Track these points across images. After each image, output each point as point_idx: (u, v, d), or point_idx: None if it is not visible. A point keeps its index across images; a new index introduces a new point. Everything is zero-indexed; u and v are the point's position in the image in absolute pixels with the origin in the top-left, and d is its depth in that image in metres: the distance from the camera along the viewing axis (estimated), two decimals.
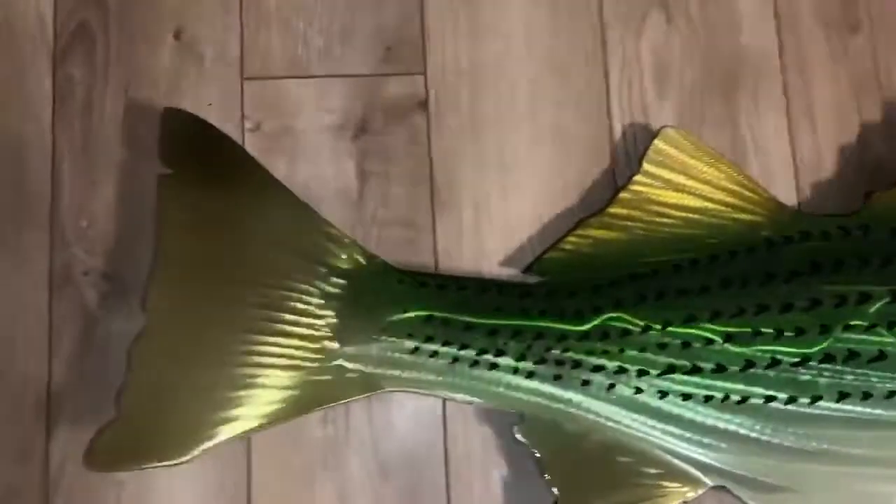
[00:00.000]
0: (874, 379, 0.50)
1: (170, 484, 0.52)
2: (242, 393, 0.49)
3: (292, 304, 0.51)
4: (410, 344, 0.51)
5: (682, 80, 0.58)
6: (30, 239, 0.55)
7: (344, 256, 0.52)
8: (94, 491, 0.52)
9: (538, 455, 0.51)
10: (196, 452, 0.48)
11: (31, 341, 0.54)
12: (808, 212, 0.56)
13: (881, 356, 0.50)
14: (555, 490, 0.50)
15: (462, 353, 0.51)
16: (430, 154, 0.57)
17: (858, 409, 0.50)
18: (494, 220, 0.56)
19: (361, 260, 0.53)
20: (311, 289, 0.51)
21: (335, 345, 0.51)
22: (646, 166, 0.55)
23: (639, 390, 0.51)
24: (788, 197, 0.57)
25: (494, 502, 0.53)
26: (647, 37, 0.58)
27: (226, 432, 0.49)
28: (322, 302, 0.51)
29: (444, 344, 0.51)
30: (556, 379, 0.51)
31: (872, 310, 0.51)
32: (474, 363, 0.52)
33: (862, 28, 0.59)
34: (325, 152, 0.56)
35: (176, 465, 0.47)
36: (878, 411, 0.50)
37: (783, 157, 0.58)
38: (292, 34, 0.58)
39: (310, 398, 0.50)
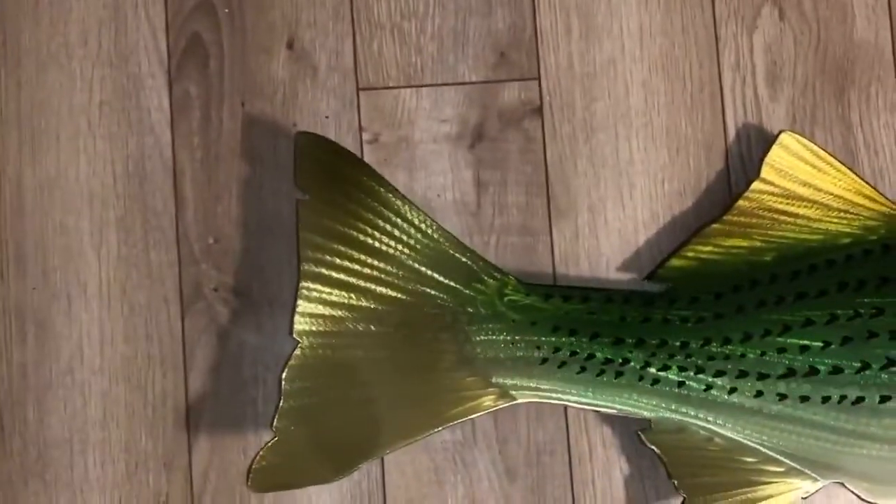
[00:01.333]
0: None
1: (309, 490, 0.56)
2: (390, 411, 0.53)
3: (432, 321, 0.54)
4: (539, 356, 0.55)
5: (795, 79, 0.60)
6: (158, 257, 0.58)
7: (475, 274, 0.55)
8: (236, 498, 0.56)
9: (665, 459, 0.55)
10: (346, 472, 0.52)
11: (167, 357, 0.57)
12: None
13: None
14: (682, 493, 0.54)
15: (588, 362, 0.55)
16: (545, 160, 0.59)
17: None
18: (610, 226, 0.58)
19: (492, 275, 0.55)
20: (448, 305, 0.54)
21: (475, 359, 0.54)
22: (764, 173, 0.56)
23: (759, 393, 0.55)
24: None
25: (618, 501, 0.57)
26: (760, 33, 0.60)
27: (377, 450, 0.52)
28: (458, 318, 0.54)
29: (572, 354, 0.55)
30: (680, 385, 0.55)
31: None
32: (601, 372, 0.55)
33: None
34: (442, 162, 0.59)
35: (328, 482, 0.51)
36: None
37: (894, 155, 0.60)
38: (405, 41, 0.59)
39: (451, 412, 0.54)
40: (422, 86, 0.59)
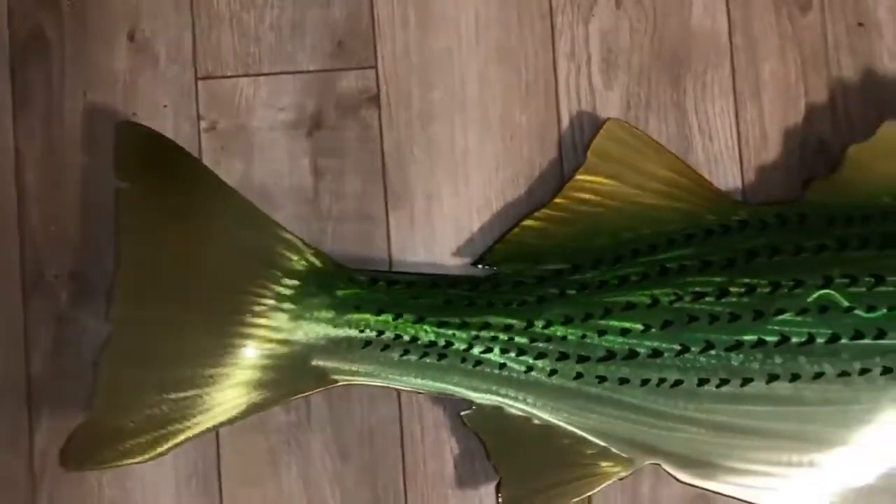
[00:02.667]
0: (803, 361, 0.56)
1: (146, 467, 0.59)
2: (204, 392, 0.55)
3: (249, 305, 0.56)
4: (363, 338, 0.57)
5: (630, 66, 0.62)
6: (1, 244, 0.60)
7: (296, 258, 0.57)
8: (76, 476, 0.59)
9: (485, 440, 0.57)
10: (160, 451, 0.54)
11: (9, 341, 0.60)
12: (753, 194, 0.61)
13: (810, 340, 0.55)
14: (498, 473, 0.56)
15: (412, 345, 0.57)
16: (382, 148, 0.61)
17: (787, 389, 0.55)
18: (446, 212, 0.61)
19: (314, 260, 0.58)
20: (266, 290, 0.57)
21: (291, 343, 0.56)
22: (589, 159, 0.59)
23: (579, 375, 0.57)
24: (733, 180, 0.61)
25: (448, 480, 0.60)
26: (596, 22, 0.62)
27: (189, 431, 0.55)
28: (276, 303, 0.57)
29: (396, 338, 0.57)
30: (502, 367, 0.57)
31: (805, 296, 0.56)
32: (423, 354, 0.57)
33: (812, 7, 0.62)
34: (279, 150, 0.61)
35: (144, 462, 0.53)
36: (803, 392, 0.55)
37: (729, 141, 0.61)
38: (244, 32, 0.61)
39: (270, 394, 0.56)
40: (259, 75, 0.61)
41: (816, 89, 0.62)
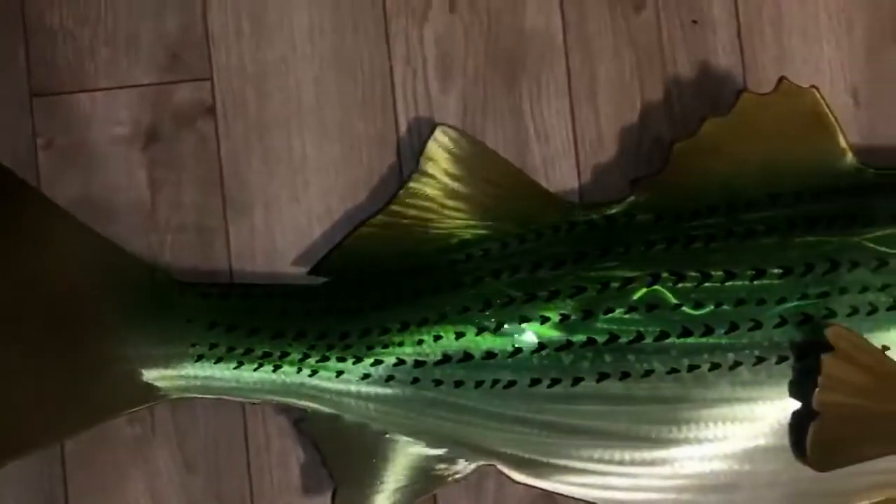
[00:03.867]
0: (632, 359, 0.57)
1: None
2: (37, 408, 0.56)
3: (81, 321, 0.57)
4: (194, 352, 0.58)
5: (466, 70, 0.62)
6: None
7: (128, 273, 0.58)
8: None
9: (321, 447, 0.58)
10: None
11: None
12: (589, 194, 0.62)
13: (639, 338, 0.56)
14: (333, 478, 0.57)
15: (246, 357, 0.58)
16: (219, 158, 0.62)
17: (618, 387, 0.57)
18: (286, 221, 0.62)
19: (146, 274, 0.59)
20: (98, 306, 0.58)
21: (123, 358, 0.56)
22: (421, 165, 0.60)
23: (416, 380, 0.58)
24: (570, 180, 0.62)
25: (294, 488, 0.61)
26: (431, 26, 0.62)
27: (28, 446, 0.56)
28: (108, 318, 0.57)
29: (229, 350, 0.58)
30: (338, 375, 0.58)
31: (633, 295, 0.57)
32: (259, 366, 0.58)
33: (646, 5, 0.63)
34: (117, 164, 0.62)
35: None
36: (633, 391, 0.57)
37: (565, 142, 0.62)
38: (78, 47, 0.62)
39: (102, 408, 0.57)
40: (96, 90, 0.62)
41: (652, 87, 0.63)
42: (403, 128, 0.62)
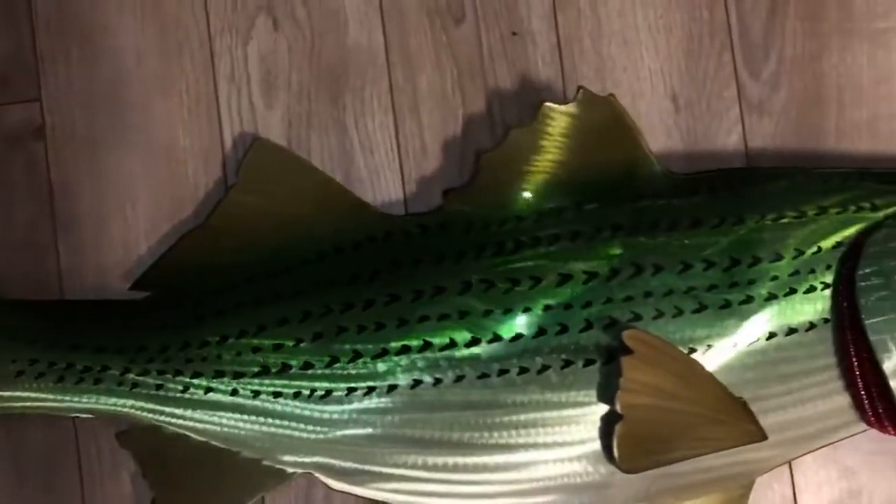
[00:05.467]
0: (445, 366, 0.57)
1: None
2: None
3: None
4: (14, 368, 0.59)
5: (290, 86, 0.64)
6: None
7: None
8: None
9: (140, 460, 0.59)
10: None
11: None
12: (414, 205, 0.63)
13: (452, 344, 0.57)
14: (152, 490, 0.58)
15: (67, 372, 0.59)
16: (49, 178, 0.64)
17: (431, 394, 0.58)
18: (114, 238, 0.63)
19: None
20: None
21: None
22: (239, 179, 0.61)
23: (235, 392, 0.59)
24: (395, 192, 0.63)
25: (127, 500, 0.62)
26: (255, 44, 0.64)
27: None
28: None
29: (50, 365, 0.59)
30: (158, 388, 0.59)
31: (445, 302, 0.58)
32: (80, 380, 0.59)
33: (466, 18, 0.64)
34: None
35: None
36: (446, 396, 0.57)
37: (389, 154, 0.64)
38: None
39: None
40: None
41: (473, 99, 0.64)
42: (229, 144, 0.63)
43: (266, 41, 0.64)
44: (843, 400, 0.58)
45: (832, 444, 0.60)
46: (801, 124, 0.64)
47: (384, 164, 0.64)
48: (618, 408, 0.56)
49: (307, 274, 0.60)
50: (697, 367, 0.57)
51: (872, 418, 0.58)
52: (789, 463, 0.61)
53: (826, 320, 0.57)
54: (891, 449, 0.62)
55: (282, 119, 0.63)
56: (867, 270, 0.56)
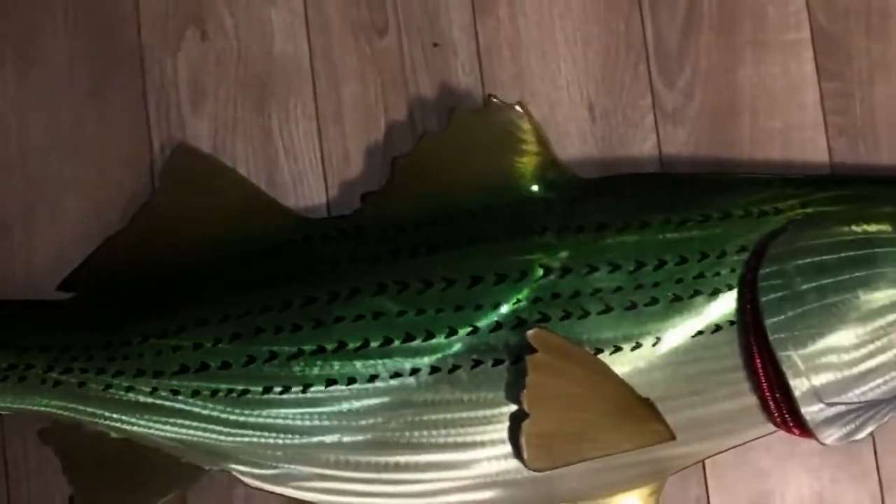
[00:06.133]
0: (359, 365, 0.58)
1: None
2: None
3: None
4: None
5: (218, 95, 0.66)
6: None
7: None
8: None
9: (61, 457, 0.60)
10: None
11: None
12: (338, 209, 0.64)
13: (365, 345, 0.58)
14: (71, 486, 0.59)
15: None
16: None
17: (344, 394, 0.59)
18: (45, 243, 0.64)
19: None
20: None
21: None
22: (160, 184, 0.63)
23: (155, 390, 0.60)
24: (319, 197, 0.65)
25: (52, 498, 0.62)
26: (184, 54, 0.66)
27: None
28: None
29: None
30: (81, 386, 0.60)
31: (361, 303, 0.59)
32: (4, 378, 0.60)
33: (389, 31, 0.66)
34: None
35: None
36: (360, 396, 0.57)
37: (313, 161, 0.65)
38: None
39: None
40: None
41: (396, 108, 0.66)
42: (157, 150, 0.65)
43: (195, 51, 0.66)
44: (751, 401, 0.59)
45: (744, 444, 0.60)
46: (714, 133, 0.65)
47: (308, 170, 0.65)
48: (524, 407, 0.58)
49: (227, 276, 0.61)
50: (603, 367, 0.58)
51: (778, 419, 0.59)
52: (703, 464, 0.63)
53: (732, 322, 0.58)
54: (802, 450, 0.63)
55: (209, 126, 0.65)
56: (769, 273, 0.58)
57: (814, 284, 0.57)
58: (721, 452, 0.60)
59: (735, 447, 0.60)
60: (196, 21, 0.66)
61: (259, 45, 0.65)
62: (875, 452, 0.63)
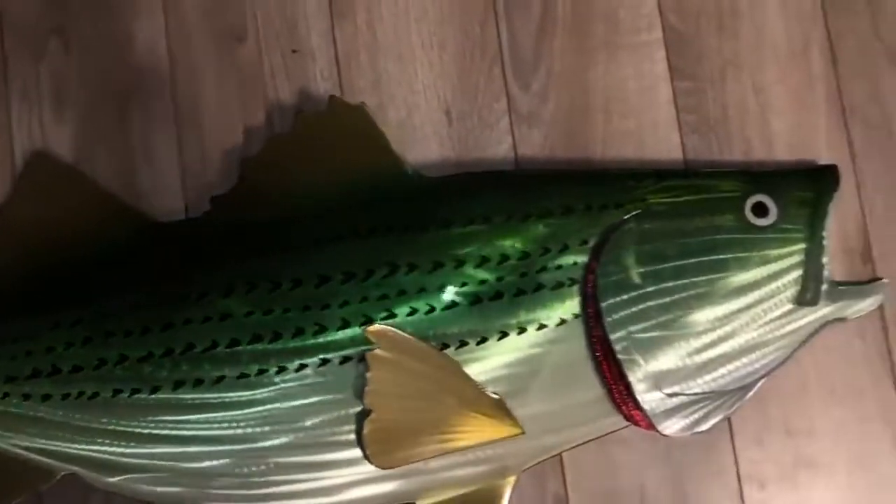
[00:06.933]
0: (207, 367, 0.58)
1: None
2: None
3: None
4: None
5: (80, 102, 0.66)
6: None
7: None
8: None
9: None
10: None
11: None
12: (195, 214, 0.64)
13: (213, 346, 0.58)
14: None
15: None
16: None
17: (192, 395, 0.58)
18: None
19: None
20: None
21: None
22: (16, 190, 0.63)
23: (6, 395, 0.60)
24: (177, 202, 0.64)
25: None
26: (47, 63, 0.66)
27: None
28: None
29: None
30: None
31: (209, 305, 0.59)
32: None
33: (248, 37, 0.66)
34: None
35: None
36: (206, 395, 0.58)
37: (172, 166, 0.65)
38: None
39: None
40: None
41: (254, 113, 0.66)
42: (20, 160, 0.65)
43: (57, 60, 0.66)
44: (599, 393, 0.59)
45: (600, 438, 0.60)
46: (569, 134, 0.66)
47: (166, 177, 0.65)
48: (365, 403, 0.58)
49: (80, 281, 0.62)
50: (448, 362, 0.58)
51: (625, 411, 0.59)
52: (560, 458, 0.62)
53: (576, 315, 0.58)
54: (661, 445, 0.61)
55: (71, 135, 0.65)
56: (607, 265, 0.58)
57: (652, 276, 0.57)
58: (576, 447, 0.60)
59: (591, 441, 0.60)
60: (59, 30, 0.66)
61: (120, 54, 0.66)
62: (733, 447, 0.63)
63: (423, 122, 0.66)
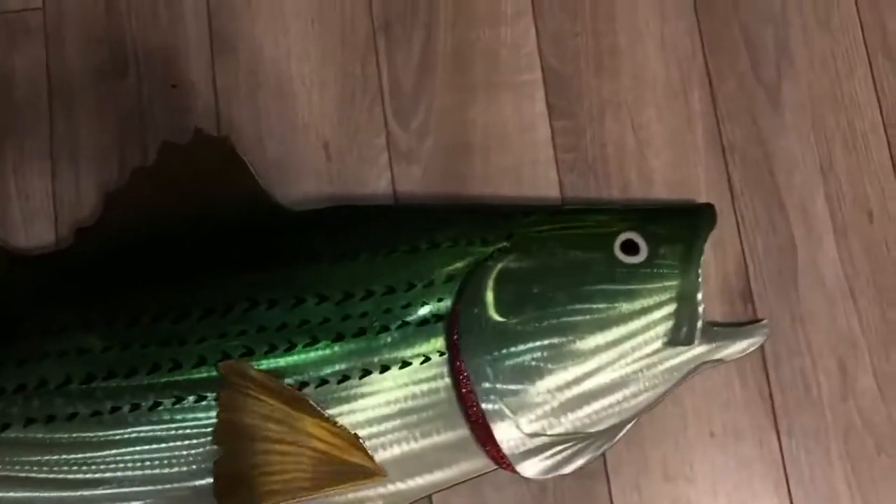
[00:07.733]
0: (59, 403, 0.56)
1: None
2: None
3: None
4: None
5: None
6: None
7: None
8: None
9: None
10: None
11: None
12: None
13: (67, 381, 0.56)
14: None
15: None
16: None
17: (41, 432, 0.56)
18: None
19: None
20: None
21: None
22: None
23: None
24: (48, 236, 0.62)
25: None
26: None
27: None
28: None
29: None
30: None
31: (66, 340, 0.56)
32: None
33: (129, 73, 0.66)
34: None
35: None
36: (57, 434, 0.55)
37: (45, 200, 0.64)
38: None
39: None
40: None
41: (131, 148, 0.64)
42: None
43: None
44: (465, 433, 0.56)
45: (471, 480, 0.57)
46: (448, 170, 0.65)
47: (39, 211, 0.64)
48: (216, 445, 0.55)
49: None
50: (303, 402, 0.55)
51: (490, 452, 0.56)
52: (430, 500, 0.59)
53: (441, 353, 0.56)
54: (534, 488, 0.59)
55: None
56: (469, 301, 0.56)
57: (514, 311, 0.56)
58: (445, 489, 0.58)
59: (461, 483, 0.58)
60: None
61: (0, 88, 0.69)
62: (609, 491, 0.60)
63: (302, 157, 0.64)
